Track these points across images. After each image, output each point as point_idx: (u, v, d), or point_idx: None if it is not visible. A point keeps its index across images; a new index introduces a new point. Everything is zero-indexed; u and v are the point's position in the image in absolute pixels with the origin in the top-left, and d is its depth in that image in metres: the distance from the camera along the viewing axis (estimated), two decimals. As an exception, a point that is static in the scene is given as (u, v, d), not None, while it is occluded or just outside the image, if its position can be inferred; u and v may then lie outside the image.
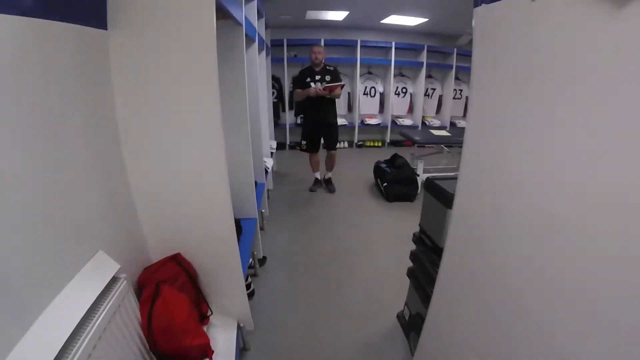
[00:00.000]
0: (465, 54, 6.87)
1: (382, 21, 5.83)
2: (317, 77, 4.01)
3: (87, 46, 1.21)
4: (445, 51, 6.94)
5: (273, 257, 2.93)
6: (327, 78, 4.00)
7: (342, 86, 4.08)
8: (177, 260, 1.62)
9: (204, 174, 1.57)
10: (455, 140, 4.35)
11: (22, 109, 0.91)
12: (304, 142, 4.34)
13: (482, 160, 1.18)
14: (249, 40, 2.69)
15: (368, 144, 7.24)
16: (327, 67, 4.06)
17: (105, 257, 1.25)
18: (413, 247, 2.01)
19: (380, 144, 7.27)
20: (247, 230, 2.34)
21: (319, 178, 4.63)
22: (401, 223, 3.57)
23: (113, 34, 1.32)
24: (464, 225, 1.32)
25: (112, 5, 1.29)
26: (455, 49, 6.79)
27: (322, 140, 4.38)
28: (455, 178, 1.39)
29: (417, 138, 4.30)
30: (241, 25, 2.21)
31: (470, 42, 6.10)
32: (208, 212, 1.64)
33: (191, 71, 1.41)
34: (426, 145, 4.43)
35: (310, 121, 4.26)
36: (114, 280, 1.21)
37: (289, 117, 6.73)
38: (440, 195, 1.63)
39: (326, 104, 4.11)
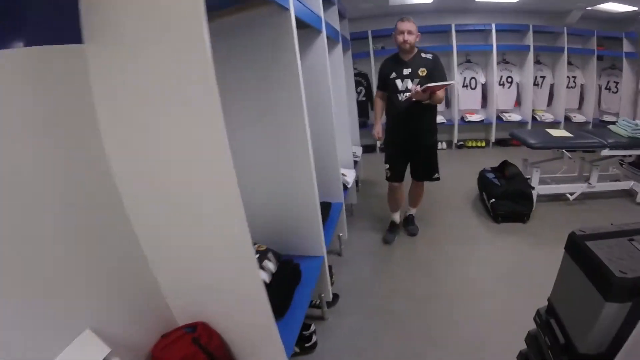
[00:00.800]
0: (578, 34, 5.78)
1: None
2: (407, 71, 2.64)
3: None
4: (555, 30, 5.81)
5: (348, 295, 2.42)
6: (422, 72, 2.62)
7: (450, 86, 2.92)
8: (196, 334, 1.21)
9: (218, 215, 1.15)
10: (579, 143, 3.47)
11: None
12: (386, 166, 2.98)
13: None
14: (331, 42, 2.93)
15: (469, 144, 6.31)
16: (423, 55, 2.68)
17: (92, 338, 1.01)
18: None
19: (483, 144, 6.30)
20: (308, 273, 1.89)
21: (398, 221, 3.22)
22: (513, 254, 2.83)
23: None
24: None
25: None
26: (565, 28, 5.66)
27: (409, 166, 3.01)
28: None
29: (532, 141, 3.42)
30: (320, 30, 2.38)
31: (582, 19, 4.81)
32: (231, 268, 1.21)
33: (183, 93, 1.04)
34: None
35: (396, 138, 2.88)
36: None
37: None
38: (595, 273, 0.98)
39: (419, 112, 2.68)
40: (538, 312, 1.33)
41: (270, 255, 1.75)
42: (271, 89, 1.72)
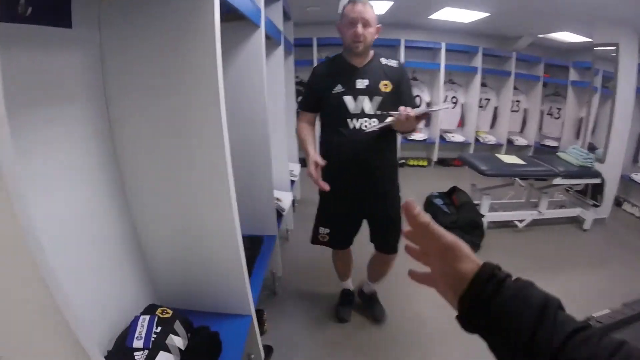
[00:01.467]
0: (525, 59, 5.85)
1: (431, 16, 4.79)
2: (362, 84, 1.78)
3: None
4: (503, 55, 5.84)
5: (283, 346, 2.04)
6: (384, 86, 1.79)
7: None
8: None
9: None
10: (533, 171, 3.42)
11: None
12: (322, 229, 2.02)
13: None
14: (272, 43, 2.60)
15: (411, 162, 6.13)
16: (384, 61, 1.85)
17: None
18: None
19: (425, 163, 6.15)
20: (232, 339, 1.39)
21: (351, 289, 2.43)
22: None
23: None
24: None
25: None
26: (514, 53, 5.71)
27: (361, 224, 2.07)
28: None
29: (484, 168, 3.23)
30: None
31: (531, 45, 4.84)
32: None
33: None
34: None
35: (341, 187, 1.82)
36: None
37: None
38: None
39: (382, 147, 1.86)
40: None
41: (177, 325, 1.26)
42: (177, 88, 1.21)
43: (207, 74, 1.15)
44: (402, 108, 1.55)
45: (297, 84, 4.86)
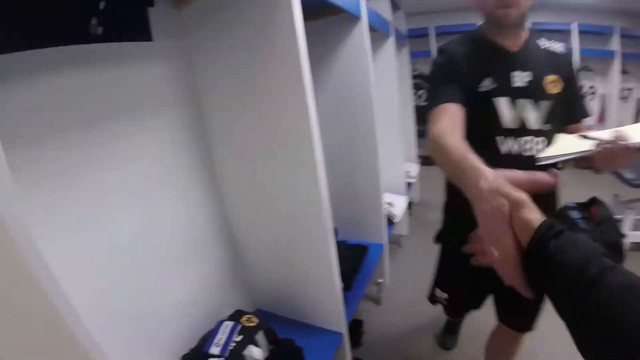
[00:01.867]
0: None
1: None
2: (520, 77, 1.07)
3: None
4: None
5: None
6: (552, 83, 1.08)
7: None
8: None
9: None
10: None
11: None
12: (439, 291, 1.42)
13: None
14: (379, 35, 2.40)
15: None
16: (542, 44, 1.13)
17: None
18: None
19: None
20: (318, 355, 1.27)
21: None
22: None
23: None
24: None
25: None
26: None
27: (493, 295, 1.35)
28: None
29: (631, 177, 2.52)
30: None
31: None
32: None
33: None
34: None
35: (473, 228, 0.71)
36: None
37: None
38: None
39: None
40: None
41: (259, 336, 1.19)
42: (263, 92, 1.14)
43: (291, 74, 1.05)
44: (618, 132, 0.84)
45: (415, 77, 4.50)
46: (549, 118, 1.08)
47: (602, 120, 5.08)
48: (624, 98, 4.99)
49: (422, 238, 2.53)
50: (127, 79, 1.03)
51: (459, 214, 0.95)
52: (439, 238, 1.37)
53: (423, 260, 2.57)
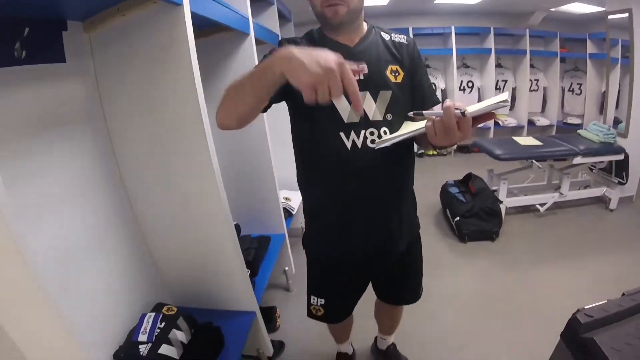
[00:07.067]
0: (540, 36, 5.66)
1: (436, 1, 4.76)
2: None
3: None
4: (516, 33, 5.67)
5: (297, 341, 2.05)
6: (392, 73, 1.11)
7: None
8: None
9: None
10: (550, 152, 3.24)
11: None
12: (315, 299, 1.41)
13: None
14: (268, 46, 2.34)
15: (429, 152, 5.98)
16: (386, 35, 1.16)
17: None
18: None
19: (444, 152, 6.01)
20: (236, 334, 1.49)
21: (351, 352, 1.88)
22: (484, 281, 2.50)
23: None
24: None
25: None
26: (527, 30, 5.50)
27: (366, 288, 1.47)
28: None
29: (499, 152, 3.15)
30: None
31: (544, 20, 4.56)
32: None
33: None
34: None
35: (338, 244, 1.23)
36: None
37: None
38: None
39: (392, 168, 1.14)
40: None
41: (180, 321, 1.36)
42: (163, 102, 1.33)
43: (183, 84, 1.24)
44: (449, 102, 0.82)
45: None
46: (392, 107, 1.09)
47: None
48: (498, 89, 5.91)
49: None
50: (46, 97, 1.13)
51: (320, 227, 1.26)
52: (304, 242, 1.37)
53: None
